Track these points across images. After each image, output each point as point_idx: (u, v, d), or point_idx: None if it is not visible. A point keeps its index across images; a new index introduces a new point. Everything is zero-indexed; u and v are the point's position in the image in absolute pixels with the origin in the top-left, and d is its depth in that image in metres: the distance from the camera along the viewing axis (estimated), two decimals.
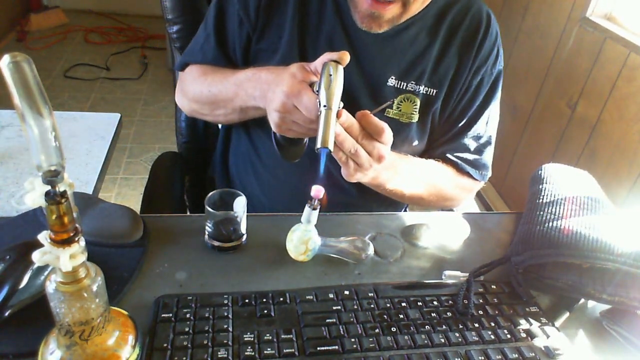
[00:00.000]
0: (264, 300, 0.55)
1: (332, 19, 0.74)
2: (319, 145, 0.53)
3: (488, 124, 0.84)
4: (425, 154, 0.86)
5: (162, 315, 0.52)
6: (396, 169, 0.72)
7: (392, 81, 0.76)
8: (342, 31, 0.74)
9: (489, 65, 0.80)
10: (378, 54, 0.75)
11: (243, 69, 0.73)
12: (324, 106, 0.53)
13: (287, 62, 0.74)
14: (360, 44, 0.74)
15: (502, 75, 0.83)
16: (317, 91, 0.55)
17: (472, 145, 0.84)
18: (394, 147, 0.80)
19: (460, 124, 0.83)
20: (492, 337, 0.55)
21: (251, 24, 0.75)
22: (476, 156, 0.85)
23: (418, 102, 0.78)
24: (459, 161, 0.83)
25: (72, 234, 0.39)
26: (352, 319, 0.55)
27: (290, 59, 0.74)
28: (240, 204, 0.63)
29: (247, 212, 0.64)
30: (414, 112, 0.78)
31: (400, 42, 0.75)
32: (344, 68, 0.72)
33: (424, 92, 0.78)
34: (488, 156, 0.87)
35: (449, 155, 0.84)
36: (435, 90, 0.78)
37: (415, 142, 0.82)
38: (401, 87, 0.76)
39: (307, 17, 0.74)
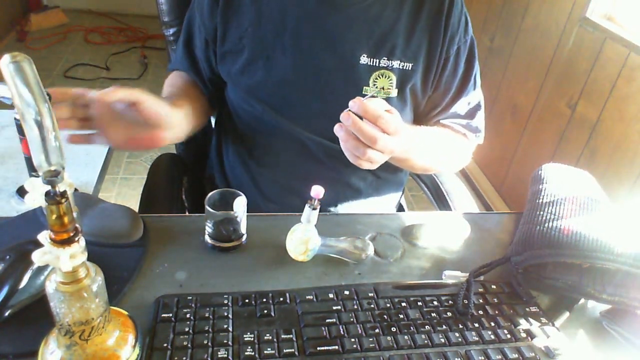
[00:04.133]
0: (264, 300, 0.55)
1: (294, 9, 0.75)
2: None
3: (475, 90, 0.86)
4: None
5: (162, 315, 0.52)
6: (415, 140, 0.74)
7: (364, 59, 0.76)
8: (306, 17, 0.75)
9: (462, 33, 0.81)
10: (347, 33, 0.76)
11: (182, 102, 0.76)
12: None
13: (254, 59, 0.77)
14: (328, 26, 0.75)
15: (475, 42, 0.84)
16: None
17: (463, 110, 0.86)
18: None
19: (449, 96, 0.84)
20: (492, 337, 0.55)
21: (208, 30, 0.79)
22: (468, 120, 0.87)
23: (394, 78, 0.79)
24: (452, 124, 0.86)
25: (72, 234, 0.39)
26: (352, 319, 0.55)
27: (256, 56, 0.77)
28: (240, 204, 0.63)
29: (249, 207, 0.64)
30: (391, 87, 0.79)
31: (367, 19, 0.76)
32: (315, 51, 0.76)
33: (399, 67, 0.78)
34: (480, 119, 0.89)
35: (442, 122, 0.86)
36: (410, 64, 0.79)
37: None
38: (374, 64, 0.77)
39: (266, 13, 0.76)
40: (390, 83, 0.79)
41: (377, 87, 0.78)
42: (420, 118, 0.87)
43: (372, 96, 0.62)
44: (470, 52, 0.83)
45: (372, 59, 0.77)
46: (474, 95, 0.86)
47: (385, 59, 0.77)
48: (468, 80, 0.84)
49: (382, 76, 0.78)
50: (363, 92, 0.78)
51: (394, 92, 0.79)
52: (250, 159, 0.87)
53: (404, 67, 0.78)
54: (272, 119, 0.80)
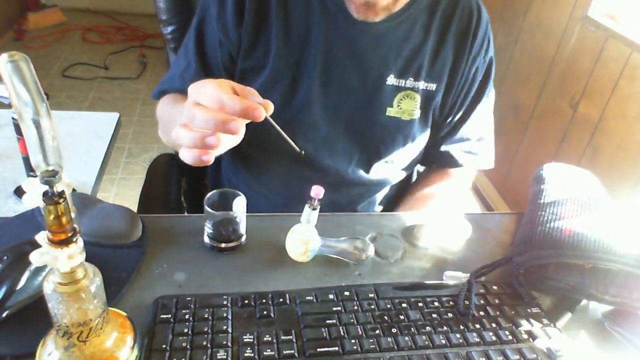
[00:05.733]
0: (264, 301, 0.55)
1: (322, 26, 0.72)
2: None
3: (486, 111, 0.85)
4: (427, 150, 0.87)
5: (161, 316, 0.52)
6: None
7: (391, 79, 0.75)
8: (335, 35, 0.72)
9: (482, 54, 0.80)
10: (375, 53, 0.74)
11: None
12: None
13: (277, 77, 0.73)
14: (356, 45, 0.73)
15: (494, 62, 0.83)
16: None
17: (474, 134, 0.85)
18: (398, 145, 0.80)
19: (459, 115, 0.83)
20: (494, 338, 0.55)
21: (232, 45, 0.73)
22: (479, 144, 0.86)
23: (418, 99, 0.77)
24: (459, 158, 0.85)
25: (70, 234, 0.38)
26: (352, 320, 0.54)
27: (279, 75, 0.73)
28: (239, 204, 0.62)
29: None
30: (415, 109, 0.78)
31: (395, 39, 0.74)
32: (342, 69, 0.73)
33: (424, 88, 0.77)
34: (490, 141, 0.88)
35: (451, 152, 0.85)
36: (435, 85, 0.78)
37: (418, 139, 0.82)
38: (400, 84, 0.76)
39: (292, 28, 0.72)
40: (415, 104, 0.77)
41: (400, 108, 0.77)
42: (430, 139, 0.85)
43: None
44: (486, 73, 0.82)
45: (398, 80, 0.75)
46: (484, 116, 0.85)
47: (412, 79, 0.76)
48: (479, 100, 0.83)
49: (407, 97, 0.77)
50: (387, 114, 0.77)
51: (417, 114, 0.78)
52: (258, 184, 0.85)
53: (428, 88, 0.77)
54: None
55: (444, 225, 0.75)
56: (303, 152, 0.55)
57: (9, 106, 0.71)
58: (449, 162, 0.87)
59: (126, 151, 2.30)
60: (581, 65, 1.69)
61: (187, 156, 0.50)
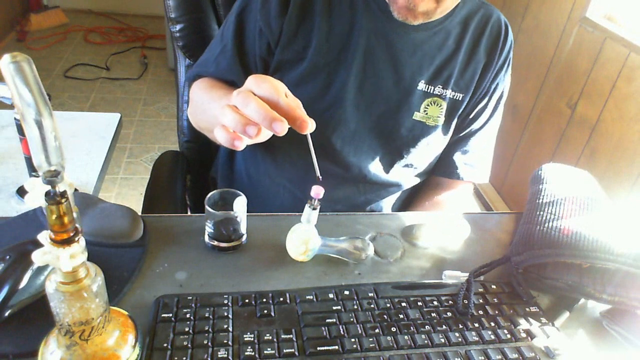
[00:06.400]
0: (264, 300, 0.55)
1: (364, 26, 0.73)
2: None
3: (494, 128, 0.88)
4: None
5: (162, 315, 0.52)
6: None
7: (421, 85, 0.77)
8: (377, 36, 0.74)
9: (504, 71, 0.83)
10: (410, 58, 0.76)
11: None
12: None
13: (313, 72, 0.74)
14: (395, 47, 0.75)
15: (509, 82, 0.86)
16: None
17: (478, 147, 0.88)
18: (419, 149, 0.82)
19: (472, 126, 0.85)
20: (492, 337, 0.55)
21: (273, 35, 0.73)
22: (480, 158, 0.89)
23: (444, 106, 0.79)
24: (460, 170, 0.87)
25: (72, 234, 0.39)
26: (352, 319, 0.55)
27: (316, 69, 0.74)
28: (240, 204, 0.62)
29: (255, 212, 0.64)
30: (440, 116, 0.80)
31: (430, 47, 0.76)
32: (379, 70, 0.75)
33: (451, 97, 0.80)
34: (490, 157, 0.91)
35: (456, 163, 0.87)
36: (461, 95, 0.80)
37: (438, 145, 0.84)
38: (429, 91, 0.78)
39: (335, 25, 0.73)
40: (441, 111, 0.80)
41: (426, 114, 0.79)
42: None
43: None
44: (503, 92, 0.85)
45: (428, 86, 0.78)
46: (492, 132, 0.88)
47: (440, 87, 0.78)
48: (492, 116, 0.86)
49: (434, 104, 0.79)
50: (413, 117, 0.79)
51: (441, 121, 0.81)
52: (279, 174, 0.85)
53: (455, 97, 0.80)
54: (317, 137, 0.78)
55: (443, 225, 0.75)
56: (320, 178, 0.56)
57: (12, 107, 0.71)
58: (451, 172, 0.88)
59: (127, 151, 2.30)
60: (579, 66, 1.69)
61: (222, 136, 0.51)
